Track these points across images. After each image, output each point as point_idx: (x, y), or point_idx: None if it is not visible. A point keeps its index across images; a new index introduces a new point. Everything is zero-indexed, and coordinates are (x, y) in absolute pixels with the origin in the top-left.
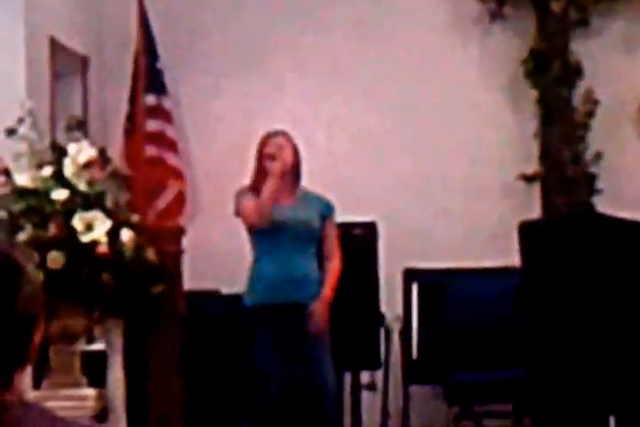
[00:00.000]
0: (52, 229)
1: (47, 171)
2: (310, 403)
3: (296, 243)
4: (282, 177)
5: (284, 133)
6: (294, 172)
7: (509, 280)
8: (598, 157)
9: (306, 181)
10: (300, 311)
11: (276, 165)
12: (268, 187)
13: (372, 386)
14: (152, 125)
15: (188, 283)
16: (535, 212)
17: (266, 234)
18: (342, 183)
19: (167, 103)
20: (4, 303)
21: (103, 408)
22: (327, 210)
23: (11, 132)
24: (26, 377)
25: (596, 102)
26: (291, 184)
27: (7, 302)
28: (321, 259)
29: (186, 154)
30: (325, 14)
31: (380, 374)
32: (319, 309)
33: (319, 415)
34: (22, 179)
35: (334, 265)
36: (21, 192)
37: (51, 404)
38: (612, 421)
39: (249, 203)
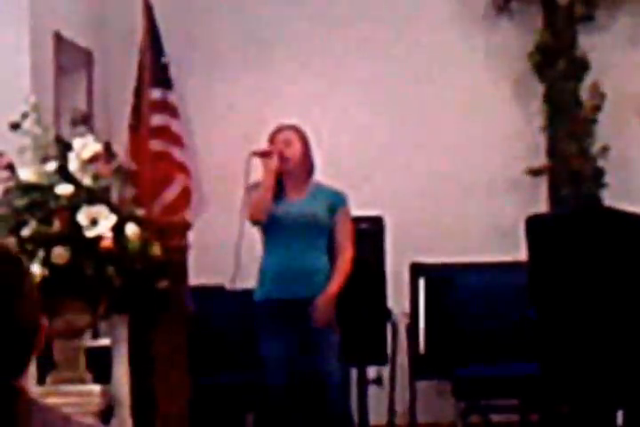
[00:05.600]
0: (57, 225)
1: (52, 166)
2: (312, 397)
3: (302, 237)
4: (289, 172)
5: (292, 127)
6: (304, 166)
7: (516, 275)
8: (605, 150)
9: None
10: (305, 306)
11: (272, 162)
12: (262, 183)
13: (378, 381)
14: (157, 120)
15: (194, 278)
16: (542, 206)
17: (271, 229)
18: (349, 177)
19: (172, 98)
20: (12, 291)
21: (108, 404)
22: (337, 202)
23: (15, 126)
24: (30, 373)
25: (602, 96)
26: (301, 179)
27: (15, 290)
28: (333, 253)
29: (191, 148)
30: (333, 10)
31: (386, 369)
32: (322, 304)
33: (323, 410)
34: (26, 174)
35: (343, 260)
36: (26, 187)
37: (55, 400)
38: (619, 415)
39: (251, 198)
